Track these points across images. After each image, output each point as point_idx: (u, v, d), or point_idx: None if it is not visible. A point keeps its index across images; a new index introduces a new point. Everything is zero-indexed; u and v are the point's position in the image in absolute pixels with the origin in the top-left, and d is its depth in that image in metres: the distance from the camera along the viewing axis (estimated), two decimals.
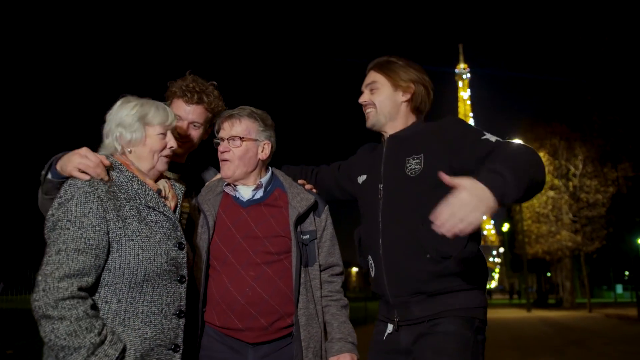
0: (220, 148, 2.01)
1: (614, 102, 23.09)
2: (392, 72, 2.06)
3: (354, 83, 2.17)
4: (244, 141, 1.98)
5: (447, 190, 1.89)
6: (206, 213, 1.97)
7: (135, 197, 1.67)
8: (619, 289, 50.30)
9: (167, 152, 1.79)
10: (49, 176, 1.69)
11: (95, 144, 1.94)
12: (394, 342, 1.93)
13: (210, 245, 1.93)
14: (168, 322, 1.65)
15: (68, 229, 1.53)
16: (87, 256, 1.52)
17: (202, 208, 1.99)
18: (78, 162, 1.62)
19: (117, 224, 1.59)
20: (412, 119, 2.10)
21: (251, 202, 2.00)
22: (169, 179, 1.88)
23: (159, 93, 2.17)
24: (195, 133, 2.18)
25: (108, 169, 1.67)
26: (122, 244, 1.58)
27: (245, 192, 2.02)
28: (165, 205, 1.73)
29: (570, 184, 28.69)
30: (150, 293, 1.62)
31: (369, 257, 2.06)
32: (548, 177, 24.86)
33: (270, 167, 2.12)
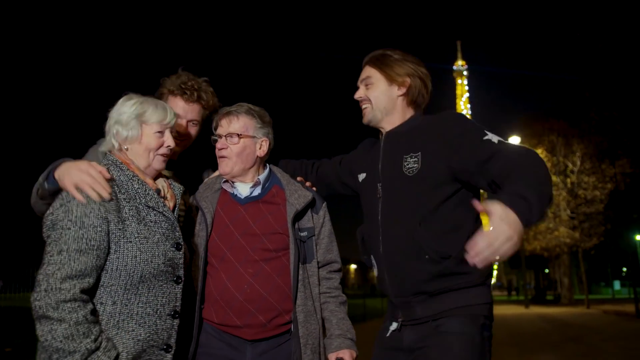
0: (218, 145, 2.00)
1: (612, 99, 23.13)
2: (387, 66, 2.02)
3: (353, 80, 2.15)
4: (241, 138, 1.98)
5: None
6: (204, 210, 1.96)
7: (135, 196, 1.67)
8: (617, 285, 50.41)
9: (163, 150, 1.77)
10: (46, 185, 1.66)
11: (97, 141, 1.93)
12: (397, 339, 1.92)
13: (209, 243, 1.93)
14: (162, 323, 1.64)
15: (69, 228, 1.51)
16: (88, 257, 1.51)
17: (200, 205, 1.99)
18: (76, 178, 1.57)
19: (117, 225, 1.58)
20: (409, 113, 2.06)
21: (249, 199, 2.00)
22: (166, 177, 1.88)
23: (155, 90, 2.16)
24: (193, 131, 2.18)
25: (109, 180, 1.63)
26: (120, 246, 1.57)
27: (243, 189, 2.02)
28: (164, 205, 1.72)
29: (568, 180, 28.76)
30: (146, 294, 1.61)
31: (372, 256, 2.04)
32: None
33: (268, 164, 2.12)
